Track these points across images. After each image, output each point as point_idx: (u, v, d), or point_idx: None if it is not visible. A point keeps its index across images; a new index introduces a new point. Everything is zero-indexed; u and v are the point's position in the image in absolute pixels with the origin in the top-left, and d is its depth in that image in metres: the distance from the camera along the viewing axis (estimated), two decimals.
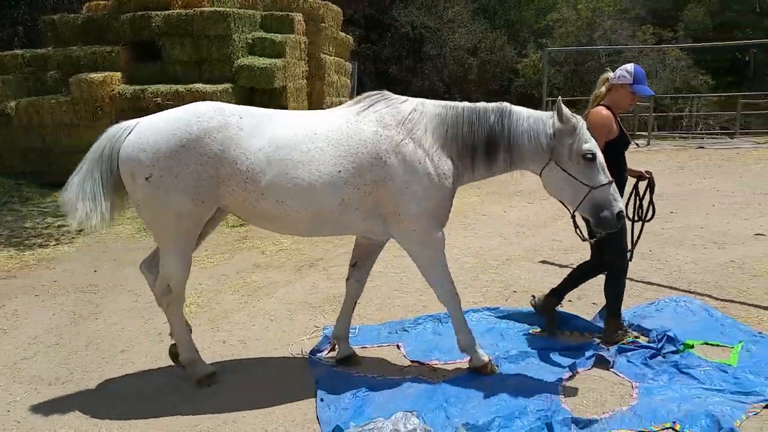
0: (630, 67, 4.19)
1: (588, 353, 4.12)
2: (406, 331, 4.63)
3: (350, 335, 4.54)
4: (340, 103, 15.20)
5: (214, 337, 4.72)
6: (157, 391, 3.86)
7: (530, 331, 4.61)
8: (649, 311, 4.89)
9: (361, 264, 4.18)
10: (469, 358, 3.95)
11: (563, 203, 3.85)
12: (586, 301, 5.21)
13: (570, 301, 5.29)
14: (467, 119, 3.69)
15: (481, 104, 3.79)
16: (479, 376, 3.81)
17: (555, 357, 4.11)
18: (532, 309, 4.84)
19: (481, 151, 3.70)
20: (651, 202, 4.34)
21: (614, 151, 4.07)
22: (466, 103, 3.81)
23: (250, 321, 5.00)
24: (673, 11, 28.90)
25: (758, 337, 4.32)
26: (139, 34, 11.87)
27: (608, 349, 4.17)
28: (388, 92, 3.85)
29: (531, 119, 3.68)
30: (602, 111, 4.16)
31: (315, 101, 13.83)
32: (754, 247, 6.71)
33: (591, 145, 3.59)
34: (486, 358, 3.91)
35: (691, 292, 5.37)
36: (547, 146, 3.62)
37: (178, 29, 11.68)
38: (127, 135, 3.54)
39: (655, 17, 27.62)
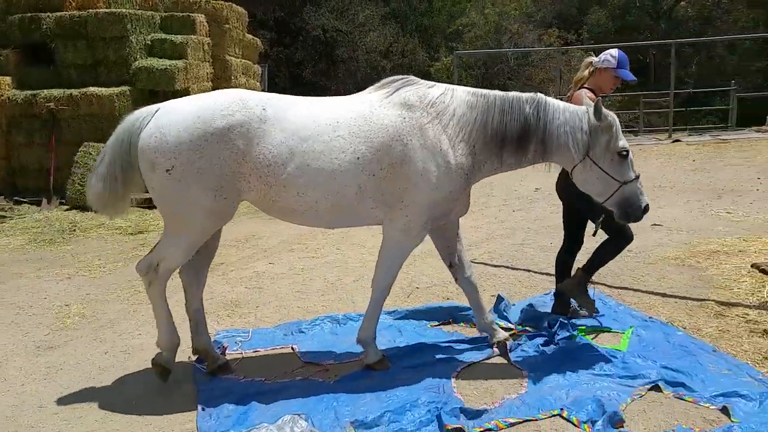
0: (614, 52, 4.28)
1: (483, 344, 4.11)
2: (302, 332, 4.47)
3: (243, 340, 4.35)
4: None
5: (96, 348, 4.40)
6: (22, 408, 3.52)
7: (428, 326, 4.56)
8: (544, 301, 4.95)
9: (454, 260, 4.07)
10: (364, 354, 3.84)
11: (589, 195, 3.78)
12: (484, 294, 5.21)
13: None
14: (499, 107, 3.60)
15: (514, 93, 3.71)
16: (373, 373, 3.71)
17: (451, 349, 4.06)
18: (431, 305, 4.81)
19: (512, 142, 3.61)
20: None
21: None
22: (497, 92, 3.74)
23: (137, 330, 4.69)
24: (576, 15, 30.20)
25: (648, 322, 4.44)
26: (30, 36, 11.26)
27: (504, 340, 4.17)
28: (414, 77, 3.76)
29: (567, 113, 3.63)
30: (587, 94, 4.17)
31: None
32: (651, 237, 6.98)
33: (625, 142, 3.62)
34: (380, 356, 3.82)
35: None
36: (582, 142, 3.57)
37: (72, 31, 11.14)
38: (147, 123, 3.41)
39: (559, 21, 28.75)
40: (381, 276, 3.79)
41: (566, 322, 4.30)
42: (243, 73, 14.54)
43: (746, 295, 4.83)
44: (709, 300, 4.76)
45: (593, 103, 3.58)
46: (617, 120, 3.66)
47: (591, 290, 4.56)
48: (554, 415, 3.18)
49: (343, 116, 3.50)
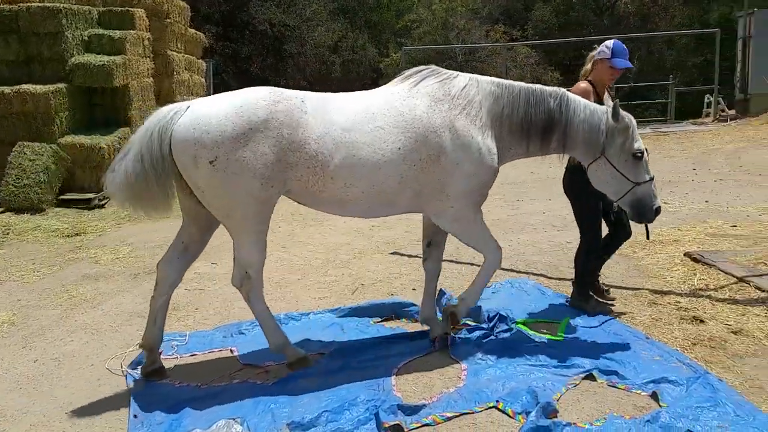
0: (610, 42, 4.35)
1: (425, 339, 4.11)
2: (242, 334, 4.39)
3: (180, 343, 4.24)
4: None
5: (24, 356, 4.21)
6: None
7: (371, 322, 4.54)
8: (485, 294, 4.99)
9: (435, 241, 4.15)
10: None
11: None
12: None
13: (414, 289, 5.31)
14: (524, 99, 3.72)
15: (538, 86, 3.83)
16: (311, 374, 3.65)
17: (393, 346, 4.05)
18: (374, 301, 4.80)
19: (537, 132, 3.74)
20: None
21: None
22: (521, 83, 3.84)
23: (68, 336, 4.52)
24: (522, 11, 30.65)
25: (583, 311, 4.54)
26: None
27: (445, 334, 4.18)
28: (437, 67, 3.84)
29: (588, 110, 3.74)
30: (580, 84, 4.29)
31: (164, 100, 13.07)
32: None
33: (640, 144, 3.73)
34: (301, 354, 3.78)
35: (528, 273, 5.58)
36: (600, 141, 3.70)
37: (2, 26, 10.59)
38: (180, 117, 3.35)
39: (505, 17, 29.14)
40: (485, 251, 3.92)
41: (505, 315, 4.36)
42: (186, 69, 14.23)
43: (678, 284, 4.99)
44: (643, 289, 4.90)
45: (612, 104, 3.71)
46: (634, 121, 3.78)
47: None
48: (490, 408, 3.20)
49: (377, 107, 3.58)
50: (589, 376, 3.51)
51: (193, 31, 15.25)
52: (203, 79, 15.79)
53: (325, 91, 3.85)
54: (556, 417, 3.06)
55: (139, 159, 3.36)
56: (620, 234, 4.61)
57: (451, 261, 6.14)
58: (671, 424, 2.92)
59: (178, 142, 3.31)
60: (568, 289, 5.08)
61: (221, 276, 5.83)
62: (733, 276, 4.97)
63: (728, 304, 4.51)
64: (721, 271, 5.12)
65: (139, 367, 3.80)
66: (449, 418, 3.12)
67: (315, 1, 22.99)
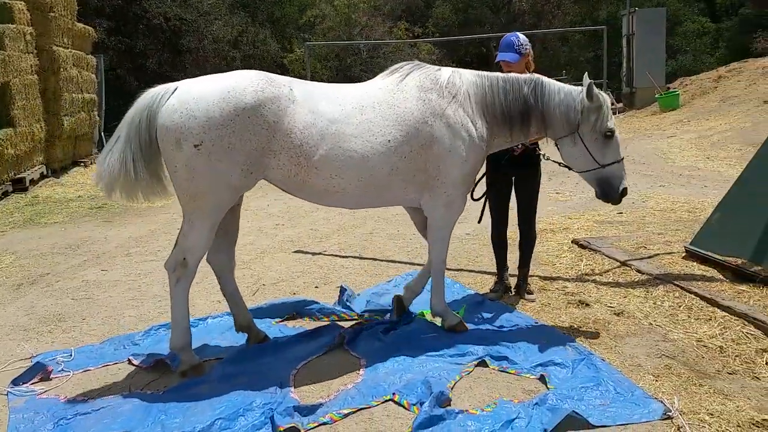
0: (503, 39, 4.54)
1: (326, 337, 4.09)
2: (136, 344, 4.18)
3: (65, 360, 3.98)
4: (83, 99, 13.76)
5: None
6: None
7: (272, 323, 4.47)
8: (387, 288, 5.06)
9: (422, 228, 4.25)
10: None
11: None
12: (331, 286, 5.23)
13: (317, 287, 5.29)
14: (502, 89, 3.85)
15: (513, 75, 3.97)
16: (207, 380, 3.54)
17: (293, 346, 4.01)
18: (275, 301, 4.73)
19: (517, 120, 3.87)
20: None
21: None
22: (498, 74, 3.98)
23: None
24: (423, 9, 31.20)
25: (481, 299, 4.68)
26: None
27: (346, 330, 4.19)
28: (420, 62, 3.97)
29: (562, 93, 3.86)
30: None
31: (50, 98, 12.31)
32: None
33: (612, 123, 3.85)
34: (195, 361, 3.69)
35: None
36: (574, 120, 3.81)
37: None
38: (167, 100, 3.33)
39: (407, 14, 29.56)
40: (437, 251, 4.03)
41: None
42: (74, 65, 13.43)
43: (566, 270, 5.26)
44: (534, 275, 5.11)
45: (587, 84, 3.82)
46: (608, 101, 3.90)
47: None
48: (387, 401, 3.24)
49: (367, 100, 3.65)
50: (482, 363, 3.63)
51: (81, 25, 14.40)
52: (94, 76, 14.97)
53: None
54: (449, 405, 3.14)
55: (128, 147, 3.38)
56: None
57: (356, 257, 6.17)
58: (558, 406, 3.06)
59: (164, 125, 3.31)
60: (465, 279, 5.23)
61: (111, 283, 5.55)
62: (617, 260, 5.29)
63: (611, 287, 4.79)
64: (606, 256, 5.44)
65: (24, 383, 3.55)
66: (346, 415, 3.12)
67: None
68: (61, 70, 12.49)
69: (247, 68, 4.15)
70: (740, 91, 16.87)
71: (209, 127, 3.28)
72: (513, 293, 4.77)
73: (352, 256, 6.23)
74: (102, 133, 16.09)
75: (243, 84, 3.38)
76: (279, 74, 3.75)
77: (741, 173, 5.31)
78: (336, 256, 6.27)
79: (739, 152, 10.84)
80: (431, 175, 3.76)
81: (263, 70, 3.74)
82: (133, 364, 3.86)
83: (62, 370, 3.84)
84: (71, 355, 4.00)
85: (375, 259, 6.05)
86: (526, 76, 4.00)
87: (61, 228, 8.26)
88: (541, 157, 4.59)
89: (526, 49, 4.50)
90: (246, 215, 8.39)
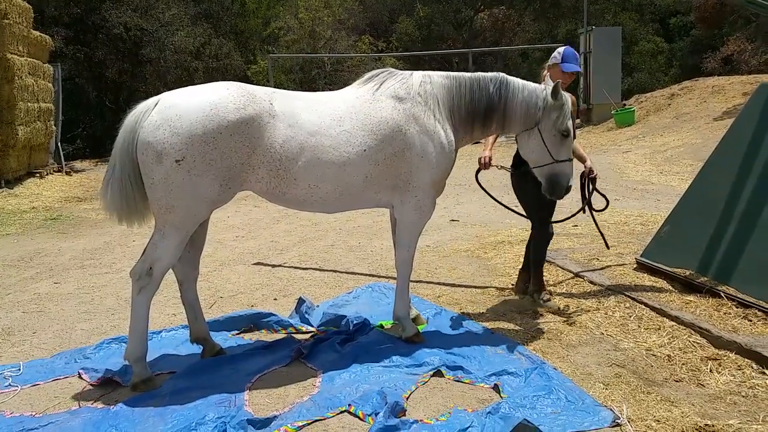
0: (561, 48, 4.61)
1: (284, 350, 4.07)
2: (88, 358, 4.08)
3: (13, 374, 3.87)
4: (39, 108, 13.45)
5: None
6: None
7: (228, 335, 4.43)
8: (346, 299, 5.06)
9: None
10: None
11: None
12: (290, 298, 5.21)
13: (275, 299, 5.26)
14: (469, 89, 3.96)
15: (481, 74, 4.06)
16: (159, 394, 3.49)
17: (249, 359, 3.97)
18: (232, 314, 4.68)
19: (480, 118, 3.99)
20: (590, 193, 4.70)
21: None
22: (467, 74, 4.07)
23: None
24: (387, 23, 31.52)
25: (438, 310, 4.72)
26: None
27: (304, 342, 4.17)
28: (393, 69, 4.04)
29: (526, 91, 3.98)
30: None
31: (4, 107, 12.00)
32: (448, 232, 7.47)
33: (570, 124, 4.01)
34: (147, 374, 3.62)
35: (387, 278, 5.71)
36: (534, 116, 3.95)
37: None
38: (149, 116, 3.36)
39: (371, 28, 29.80)
40: (402, 252, 4.09)
41: (365, 318, 4.42)
42: (30, 73, 13.12)
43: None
44: (491, 287, 5.19)
45: (554, 84, 3.94)
46: (570, 103, 4.05)
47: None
48: (342, 412, 3.23)
49: (344, 110, 3.74)
50: (438, 373, 3.66)
51: (37, 33, 14.09)
52: (51, 85, 14.65)
53: None
54: (404, 415, 3.16)
55: (124, 174, 3.41)
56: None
57: (316, 269, 6.16)
58: (510, 414, 3.10)
59: (146, 140, 3.32)
60: (423, 290, 5.27)
61: (64, 296, 5.43)
62: (570, 272, 5.42)
63: (565, 297, 4.90)
64: (560, 267, 5.56)
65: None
66: (301, 427, 3.10)
67: (175, 5, 22.07)
68: (16, 78, 12.20)
69: (210, 80, 4.16)
70: (692, 108, 17.48)
71: (191, 144, 3.30)
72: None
73: (312, 268, 6.22)
74: (59, 144, 15.71)
75: (226, 101, 3.41)
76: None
77: (688, 188, 5.51)
78: (296, 268, 6.26)
79: (691, 167, 11.21)
80: (403, 180, 3.87)
81: (226, 81, 3.75)
82: (83, 379, 3.78)
83: (9, 384, 3.73)
84: (20, 370, 3.90)
85: (335, 271, 6.05)
86: (492, 74, 4.10)
87: (13, 240, 8.04)
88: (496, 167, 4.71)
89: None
90: None
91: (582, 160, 4.68)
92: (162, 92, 3.64)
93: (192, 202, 3.41)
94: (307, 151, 3.57)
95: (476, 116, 4.01)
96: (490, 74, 4.10)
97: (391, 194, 3.93)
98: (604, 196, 4.86)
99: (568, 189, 4.13)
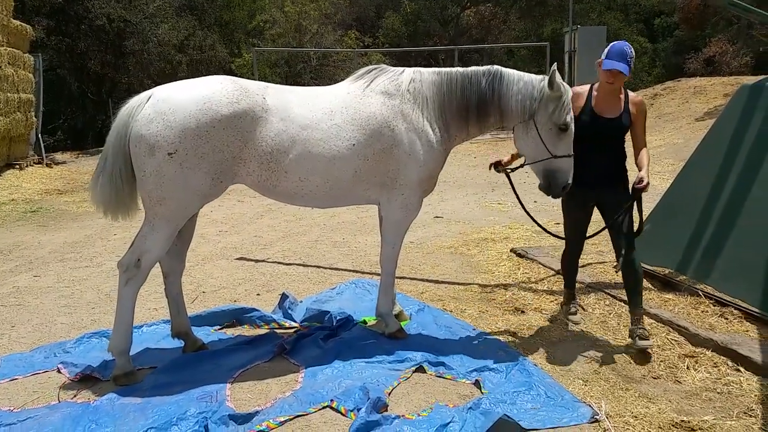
0: (609, 46, 3.96)
1: (267, 345, 4.07)
2: (68, 352, 4.05)
3: None
4: (19, 99, 13.25)
5: None
6: None
7: (211, 330, 4.41)
8: (330, 295, 5.07)
9: None
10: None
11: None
12: (273, 294, 5.20)
13: (258, 294, 5.25)
14: (460, 84, 3.88)
15: (473, 69, 3.95)
16: (140, 389, 3.47)
17: (231, 354, 3.96)
18: (214, 309, 4.67)
19: (473, 113, 3.90)
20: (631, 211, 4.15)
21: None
22: (459, 69, 3.98)
23: None
24: (374, 19, 31.46)
25: (421, 307, 4.74)
26: None
27: (287, 338, 4.17)
28: (384, 65, 4.03)
29: (521, 83, 3.85)
30: (575, 88, 4.10)
31: None
32: (433, 229, 7.49)
33: (570, 117, 3.80)
34: (129, 368, 3.62)
35: (371, 274, 5.72)
36: (530, 108, 3.79)
37: None
38: (142, 109, 3.38)
39: (358, 23, 29.73)
40: (387, 249, 4.11)
41: (349, 314, 4.43)
42: (10, 63, 12.91)
43: (504, 278, 5.39)
44: (473, 284, 5.22)
45: (551, 71, 3.71)
46: (569, 95, 3.80)
47: None
48: (324, 407, 3.24)
49: (335, 105, 3.75)
50: (420, 369, 3.69)
51: (17, 22, 13.85)
52: (31, 75, 14.42)
53: None
54: (386, 411, 3.18)
55: (116, 167, 3.42)
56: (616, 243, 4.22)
57: (299, 265, 6.15)
58: (491, 410, 3.13)
59: (139, 133, 3.34)
60: (406, 286, 5.28)
61: (43, 290, 5.37)
62: (552, 269, 5.46)
63: (546, 295, 4.94)
64: (542, 265, 5.61)
65: None
66: (283, 422, 3.11)
67: None
68: None
69: (194, 73, 4.16)
70: (674, 108, 17.67)
71: (184, 137, 3.33)
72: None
73: (295, 264, 6.21)
74: (39, 135, 15.49)
75: (219, 95, 3.43)
76: None
77: (669, 187, 5.58)
78: (279, 263, 6.24)
79: (672, 167, 11.34)
80: (391, 177, 3.86)
81: (210, 74, 3.78)
82: (62, 374, 3.75)
83: None
84: None
85: (319, 267, 6.05)
86: (485, 68, 3.96)
87: None
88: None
89: (633, 64, 3.94)
90: None
91: (639, 167, 4.12)
92: (145, 84, 3.63)
93: (183, 195, 3.43)
94: (299, 144, 3.59)
95: (469, 112, 3.92)
96: (483, 68, 3.94)
97: (379, 191, 3.93)
98: (640, 215, 4.19)
99: (566, 187, 3.90)
